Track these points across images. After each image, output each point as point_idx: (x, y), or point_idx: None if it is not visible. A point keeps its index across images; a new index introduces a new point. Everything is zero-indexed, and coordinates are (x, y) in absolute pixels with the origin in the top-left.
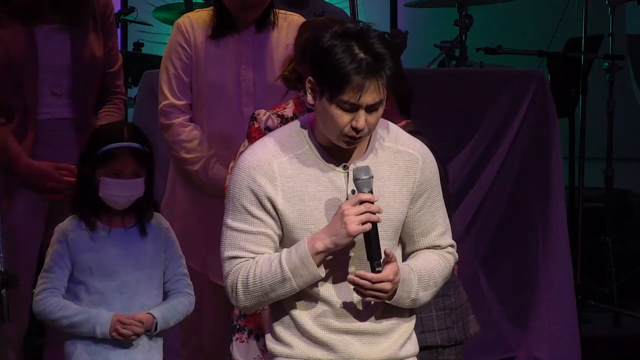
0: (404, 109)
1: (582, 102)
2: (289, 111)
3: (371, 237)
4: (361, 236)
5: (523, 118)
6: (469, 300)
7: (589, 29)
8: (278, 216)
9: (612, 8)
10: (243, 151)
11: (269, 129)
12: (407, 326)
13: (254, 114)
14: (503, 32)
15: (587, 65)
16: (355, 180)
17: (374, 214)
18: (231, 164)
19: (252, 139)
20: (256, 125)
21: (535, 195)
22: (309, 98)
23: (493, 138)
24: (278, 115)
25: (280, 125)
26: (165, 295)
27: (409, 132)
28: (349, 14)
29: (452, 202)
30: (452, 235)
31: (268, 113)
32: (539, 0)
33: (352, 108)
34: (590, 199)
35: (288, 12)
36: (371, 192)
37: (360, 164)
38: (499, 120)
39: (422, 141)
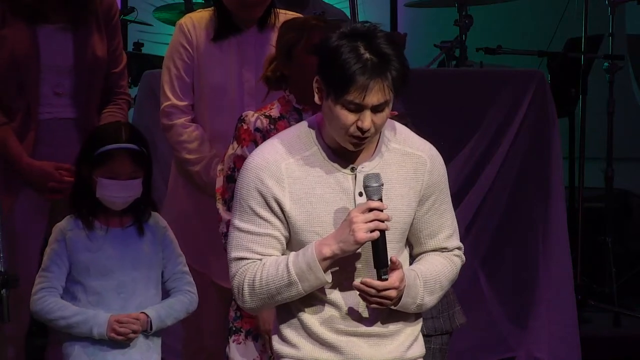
0: None
1: (582, 102)
2: (275, 111)
3: (379, 245)
4: (369, 242)
5: (523, 118)
6: (462, 299)
7: (589, 29)
8: (285, 218)
9: (612, 8)
10: (233, 153)
11: (258, 130)
12: (413, 328)
13: (241, 115)
14: (503, 32)
15: (587, 65)
16: (365, 187)
17: (383, 222)
18: (220, 167)
19: (242, 141)
20: (245, 127)
21: (535, 195)
22: (316, 98)
23: (493, 138)
24: (266, 116)
25: (269, 126)
26: (168, 294)
27: None
28: (348, 14)
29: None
30: None
31: (256, 114)
32: (539, 0)
33: (358, 108)
34: (590, 199)
35: (287, 12)
36: (381, 199)
37: (368, 166)
38: (499, 120)
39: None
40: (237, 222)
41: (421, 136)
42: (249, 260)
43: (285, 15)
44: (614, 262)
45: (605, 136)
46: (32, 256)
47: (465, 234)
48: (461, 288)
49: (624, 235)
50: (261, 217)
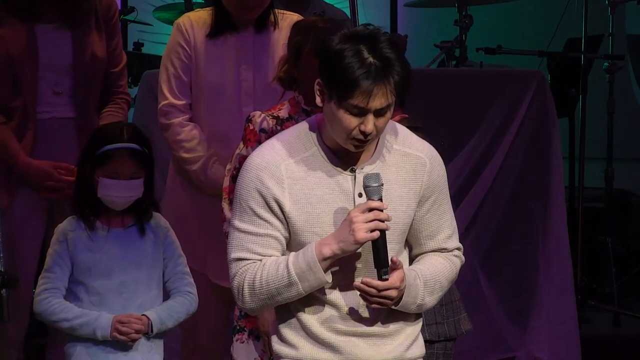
0: (399, 102)
1: (582, 102)
2: (284, 112)
3: (379, 245)
4: (369, 242)
5: (523, 118)
6: (462, 299)
7: (589, 29)
8: (285, 218)
9: (612, 8)
10: (239, 153)
11: (264, 131)
12: (413, 328)
13: (249, 115)
14: (503, 32)
15: (587, 65)
16: (365, 187)
17: (383, 221)
18: (228, 166)
19: (247, 141)
20: (251, 127)
21: (535, 195)
22: (317, 100)
23: (493, 138)
24: (273, 117)
25: (276, 127)
26: (168, 295)
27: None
28: (348, 15)
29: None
30: None
31: (263, 115)
32: (539, 0)
33: (361, 112)
34: (590, 199)
35: (286, 12)
36: (381, 199)
37: (368, 168)
38: (499, 120)
39: (419, 137)
40: (237, 223)
41: (422, 136)
42: (249, 261)
43: (283, 15)
44: (614, 262)
45: (605, 136)
46: (30, 256)
47: (465, 234)
48: (461, 288)
49: (624, 235)
50: (261, 218)
